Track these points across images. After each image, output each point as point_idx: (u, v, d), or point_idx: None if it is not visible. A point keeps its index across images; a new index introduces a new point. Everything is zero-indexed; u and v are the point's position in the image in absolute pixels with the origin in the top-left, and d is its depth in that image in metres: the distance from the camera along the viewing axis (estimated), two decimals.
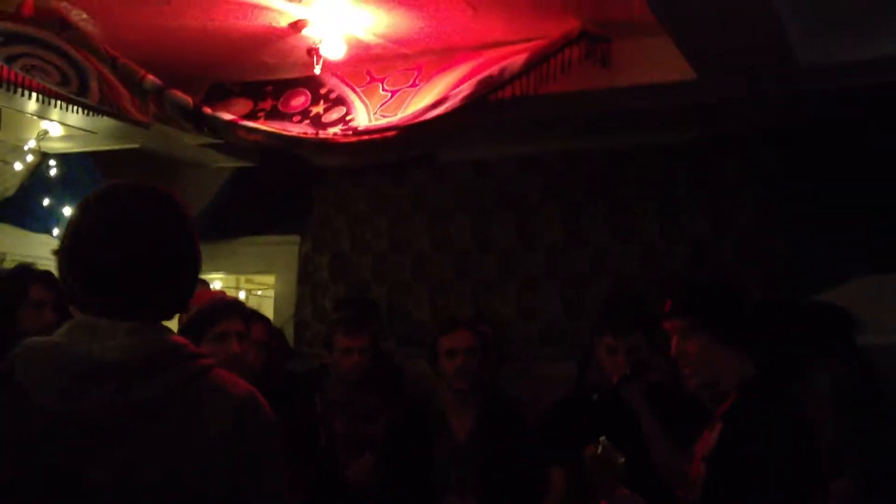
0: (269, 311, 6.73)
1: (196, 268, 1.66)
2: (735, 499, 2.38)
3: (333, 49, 4.12)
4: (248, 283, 8.05)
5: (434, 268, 6.03)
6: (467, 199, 5.99)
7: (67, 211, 5.95)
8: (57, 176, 6.09)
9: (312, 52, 4.08)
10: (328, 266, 6.41)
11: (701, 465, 2.59)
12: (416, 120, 4.18)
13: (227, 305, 3.14)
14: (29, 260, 4.90)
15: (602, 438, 2.46)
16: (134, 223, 1.57)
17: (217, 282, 7.25)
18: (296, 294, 6.53)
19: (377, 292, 6.06)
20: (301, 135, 4.34)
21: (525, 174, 5.84)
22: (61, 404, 1.45)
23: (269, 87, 4.78)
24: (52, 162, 6.07)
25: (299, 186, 6.49)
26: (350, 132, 4.30)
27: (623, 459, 2.44)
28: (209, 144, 5.60)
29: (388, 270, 6.17)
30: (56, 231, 5.94)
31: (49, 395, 1.46)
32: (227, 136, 4.46)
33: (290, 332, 6.25)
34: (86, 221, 1.58)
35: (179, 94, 4.04)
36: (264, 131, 4.32)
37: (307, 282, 6.48)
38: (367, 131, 4.27)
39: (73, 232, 1.58)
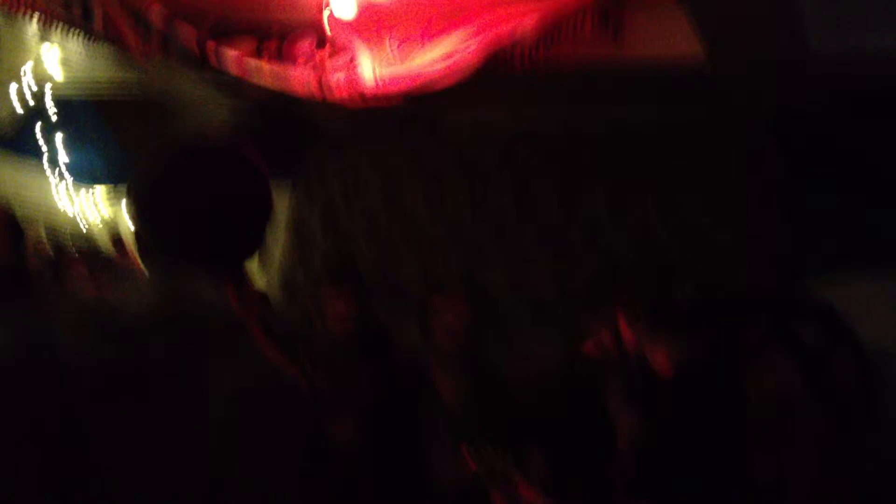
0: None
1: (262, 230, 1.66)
2: (663, 471, 2.37)
3: (344, 8, 4.07)
4: None
5: (426, 229, 5.98)
6: (465, 163, 5.93)
7: (60, 139, 5.89)
8: (52, 104, 6.01)
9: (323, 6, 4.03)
10: (318, 217, 6.35)
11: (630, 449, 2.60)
12: (421, 74, 4.12)
13: None
14: (20, 188, 4.84)
15: (475, 443, 2.40)
16: (214, 186, 1.58)
17: None
18: (282, 242, 6.46)
19: (366, 249, 6.01)
20: (305, 93, 4.29)
21: (525, 141, 5.79)
22: (79, 358, 1.42)
23: (276, 27, 4.69)
24: (48, 90, 5.98)
25: (293, 137, 6.42)
26: (357, 96, 4.26)
27: (509, 457, 2.39)
28: (210, 87, 5.52)
29: (379, 228, 6.12)
30: (46, 159, 5.88)
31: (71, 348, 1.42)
32: (229, 75, 4.39)
33: (273, 282, 6.21)
34: (164, 181, 1.57)
35: (184, 26, 3.98)
36: (267, 74, 4.25)
37: (295, 231, 6.42)
38: (374, 96, 4.23)
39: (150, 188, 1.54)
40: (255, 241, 1.62)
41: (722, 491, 2.29)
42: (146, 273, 1.51)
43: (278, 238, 6.52)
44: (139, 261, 1.55)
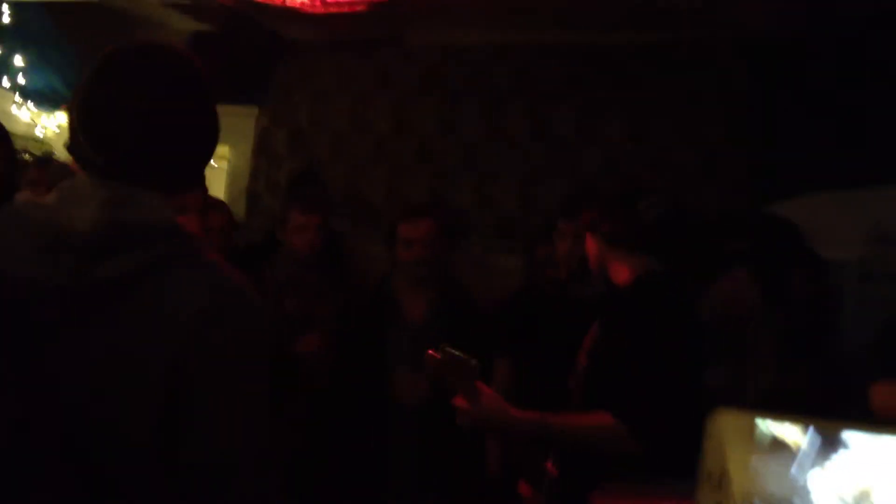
0: (221, 182, 6.62)
1: (206, 139, 1.54)
2: (611, 390, 2.39)
3: None
4: None
5: (394, 151, 5.94)
6: (433, 84, 5.87)
7: (19, 61, 5.74)
8: (10, 24, 5.85)
9: None
10: (285, 140, 6.29)
11: (584, 357, 2.62)
12: None
13: None
14: None
15: (443, 345, 2.43)
16: (149, 82, 1.45)
17: None
18: (250, 167, 6.40)
19: (334, 171, 5.97)
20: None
21: (494, 63, 5.73)
22: (22, 272, 1.35)
23: None
24: (5, 8, 5.82)
25: (260, 56, 6.31)
26: (318, 2, 4.16)
27: (475, 362, 2.41)
28: (172, 4, 5.40)
29: (347, 150, 6.07)
30: (6, 81, 5.74)
31: (12, 261, 1.36)
32: None
33: (241, 206, 6.17)
34: (100, 76, 1.46)
35: None
36: None
37: (262, 155, 6.37)
38: (336, 2, 4.13)
39: (87, 85, 1.46)
40: (197, 147, 1.55)
41: (681, 400, 2.31)
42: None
43: (245, 154, 6.47)
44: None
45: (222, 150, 7.09)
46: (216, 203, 3.95)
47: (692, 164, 5.19)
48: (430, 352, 2.44)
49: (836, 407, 3.37)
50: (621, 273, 2.60)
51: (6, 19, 5.81)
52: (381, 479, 3.58)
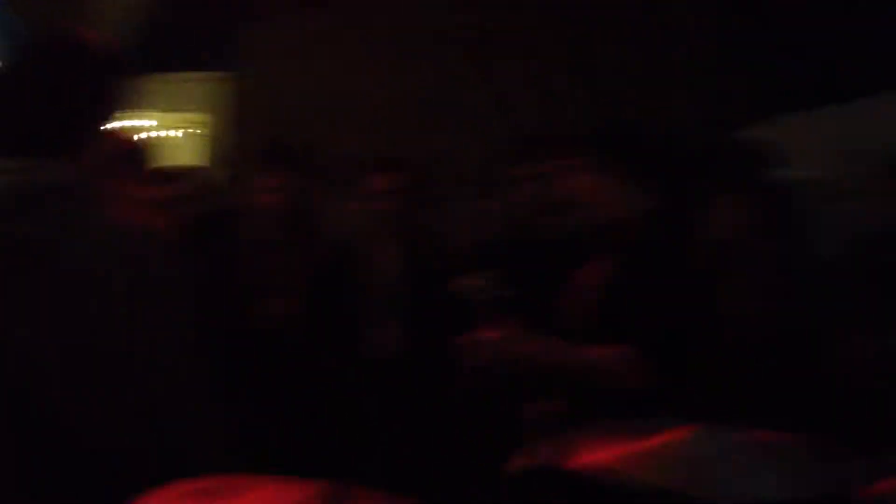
0: (205, 149, 6.65)
1: (92, 106, 1.60)
2: (634, 327, 2.40)
3: None
4: (186, 122, 7.89)
5: (362, 106, 5.91)
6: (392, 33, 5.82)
7: None
8: None
9: None
10: (261, 104, 6.27)
11: (591, 293, 2.61)
12: None
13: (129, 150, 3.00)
14: None
15: (479, 271, 2.46)
16: (29, 60, 1.58)
17: (153, 120, 7.10)
18: (222, 125, 6.40)
19: (306, 129, 5.94)
20: None
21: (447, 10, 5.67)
22: None
23: None
24: None
25: (229, 21, 6.27)
26: None
27: (501, 290, 2.44)
28: None
29: (317, 108, 6.04)
30: None
31: None
32: None
33: (223, 172, 6.18)
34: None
35: None
36: None
37: (238, 121, 6.36)
38: None
39: None
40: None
41: (682, 327, 2.34)
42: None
43: (220, 121, 6.48)
44: None
45: (202, 117, 7.10)
46: (175, 174, 3.96)
47: (655, 92, 5.14)
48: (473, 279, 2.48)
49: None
50: (622, 206, 2.59)
51: None
52: (355, 439, 3.62)
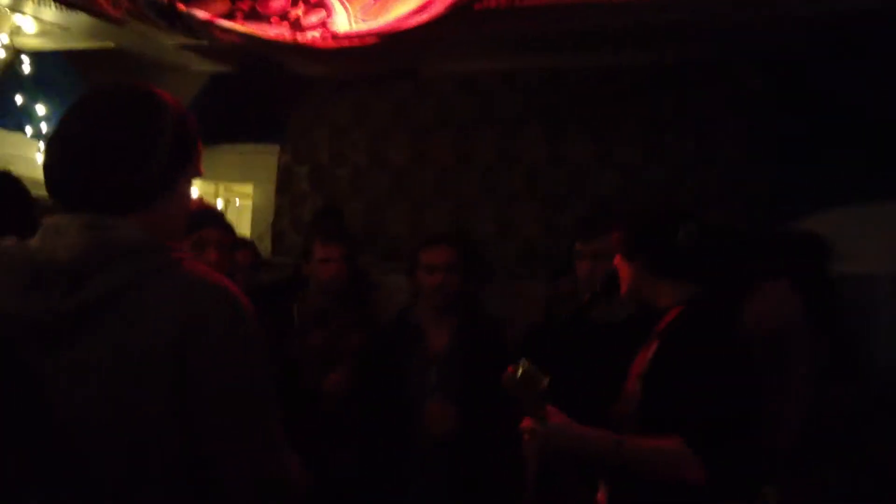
0: (246, 220, 6.67)
1: (163, 162, 1.56)
2: (671, 414, 2.37)
3: None
4: (227, 191, 7.95)
5: (413, 183, 5.96)
6: (449, 115, 5.90)
7: (41, 109, 5.83)
8: (31, 74, 5.94)
9: None
10: (307, 177, 6.34)
11: (636, 382, 2.58)
12: (398, 26, 4.06)
13: (206, 213, 3.02)
14: (2, 158, 4.80)
15: (523, 360, 2.42)
16: (91, 115, 1.54)
17: (194, 188, 7.16)
18: (274, 204, 6.46)
19: (355, 206, 6.00)
20: (278, 37, 4.22)
21: (507, 91, 5.77)
22: (13, 307, 1.41)
23: None
24: (25, 59, 5.91)
25: (279, 95, 6.38)
26: (329, 36, 4.19)
27: (546, 381, 2.40)
28: (188, 46, 5.45)
29: (367, 184, 6.11)
30: (29, 129, 5.82)
31: (3, 297, 1.42)
32: (202, 36, 4.34)
33: (267, 243, 6.20)
34: (61, 118, 1.55)
35: None
36: (240, 32, 4.19)
37: (285, 192, 6.43)
38: (347, 36, 4.16)
39: (53, 128, 1.55)
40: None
41: (747, 428, 2.30)
42: None
43: (269, 192, 6.54)
44: None
45: (246, 188, 7.16)
46: (243, 241, 3.98)
47: (710, 183, 5.16)
48: (509, 368, 2.44)
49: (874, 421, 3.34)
50: (664, 298, 2.58)
51: (27, 69, 5.90)
52: None
